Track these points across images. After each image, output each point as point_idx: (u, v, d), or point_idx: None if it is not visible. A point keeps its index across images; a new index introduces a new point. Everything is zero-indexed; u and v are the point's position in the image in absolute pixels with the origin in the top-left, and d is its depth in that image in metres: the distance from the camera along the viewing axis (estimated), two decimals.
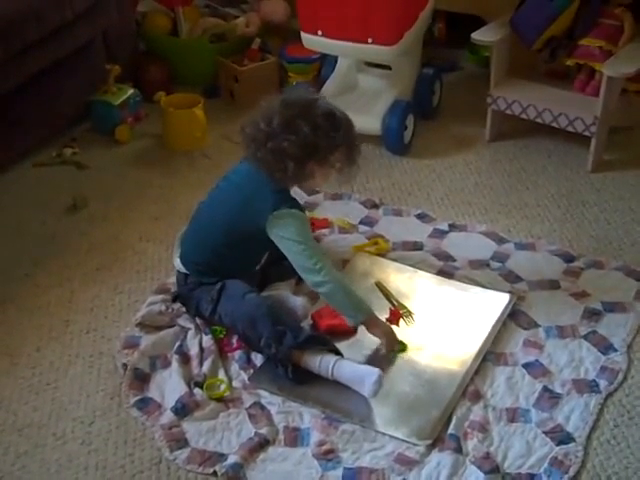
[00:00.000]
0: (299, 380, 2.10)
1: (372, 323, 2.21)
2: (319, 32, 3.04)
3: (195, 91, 3.38)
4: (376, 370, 2.06)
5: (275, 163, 2.12)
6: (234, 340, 2.23)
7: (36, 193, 2.92)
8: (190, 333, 2.24)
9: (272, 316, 2.14)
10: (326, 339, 2.17)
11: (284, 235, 2.16)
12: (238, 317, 2.18)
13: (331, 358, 2.10)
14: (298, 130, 2.09)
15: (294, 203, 2.24)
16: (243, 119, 2.21)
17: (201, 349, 2.19)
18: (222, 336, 2.25)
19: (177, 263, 2.33)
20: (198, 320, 2.28)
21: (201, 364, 2.15)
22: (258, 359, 2.18)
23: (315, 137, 2.10)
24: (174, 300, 2.34)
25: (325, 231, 2.68)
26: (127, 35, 3.50)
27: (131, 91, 3.31)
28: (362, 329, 2.24)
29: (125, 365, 2.15)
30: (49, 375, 2.16)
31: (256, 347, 2.17)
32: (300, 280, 2.30)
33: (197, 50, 3.57)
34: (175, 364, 2.14)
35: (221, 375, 2.13)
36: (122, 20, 3.41)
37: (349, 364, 2.10)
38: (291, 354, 2.10)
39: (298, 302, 2.31)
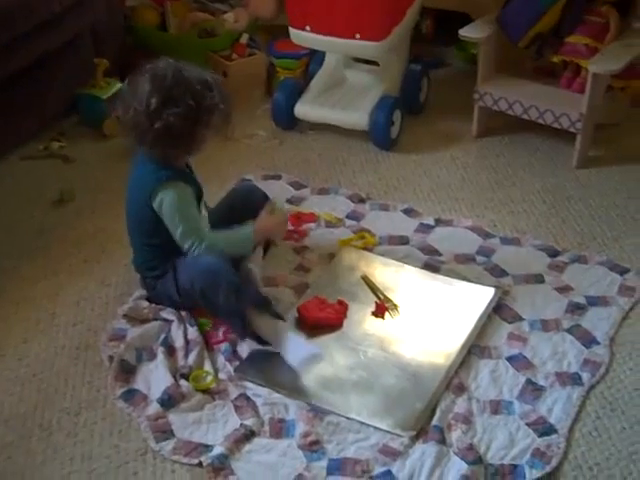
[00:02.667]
0: (256, 337, 2.17)
1: (259, 233, 2.30)
2: (307, 27, 3.05)
3: None
4: (317, 349, 2.14)
5: (167, 141, 2.12)
6: (220, 333, 2.24)
7: (23, 186, 2.92)
8: (174, 325, 2.25)
9: (230, 268, 2.17)
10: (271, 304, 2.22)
11: (162, 209, 2.18)
12: (196, 276, 2.16)
13: (282, 325, 2.19)
14: (179, 102, 2.08)
15: (177, 175, 2.21)
16: (120, 109, 2.17)
17: (186, 341, 2.20)
18: (208, 329, 2.26)
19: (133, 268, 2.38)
20: (183, 313, 2.28)
21: (186, 356, 2.16)
22: (244, 351, 2.19)
23: (196, 103, 2.10)
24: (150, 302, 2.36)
25: (312, 225, 2.69)
26: (115, 29, 3.50)
27: (119, 85, 3.30)
28: (349, 322, 2.27)
29: (111, 357, 2.16)
30: (35, 367, 2.16)
31: (216, 306, 2.17)
32: (265, 253, 2.41)
33: (186, 45, 3.57)
34: (161, 356, 2.15)
35: (207, 367, 2.13)
36: (110, 14, 3.41)
37: (295, 337, 2.17)
38: (247, 310, 2.15)
39: (251, 266, 2.33)
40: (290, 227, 2.61)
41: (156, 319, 2.28)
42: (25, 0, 2.84)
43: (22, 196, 2.86)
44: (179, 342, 2.19)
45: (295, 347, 2.15)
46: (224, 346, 2.20)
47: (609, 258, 2.54)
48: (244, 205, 2.42)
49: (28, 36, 2.89)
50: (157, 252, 2.28)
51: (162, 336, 2.22)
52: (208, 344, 2.22)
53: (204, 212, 2.34)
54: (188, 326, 2.24)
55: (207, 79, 2.16)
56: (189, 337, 2.21)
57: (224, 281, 2.14)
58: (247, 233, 2.29)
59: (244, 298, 2.15)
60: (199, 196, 2.28)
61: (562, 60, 3.11)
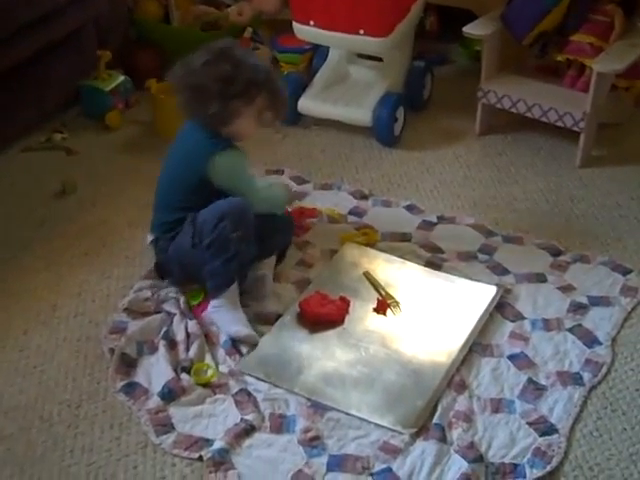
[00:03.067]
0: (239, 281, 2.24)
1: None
2: (311, 22, 3.04)
3: None
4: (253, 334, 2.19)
5: (199, 100, 2.19)
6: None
7: (25, 178, 2.92)
8: (176, 319, 2.24)
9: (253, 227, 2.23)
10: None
11: (225, 178, 2.24)
12: (226, 207, 2.18)
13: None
14: (218, 66, 2.17)
15: (230, 145, 2.27)
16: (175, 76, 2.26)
17: (187, 334, 2.20)
18: (196, 303, 2.28)
19: (148, 238, 2.36)
20: (182, 305, 2.28)
21: (187, 349, 2.16)
22: (243, 345, 2.19)
23: (235, 72, 2.17)
24: (156, 274, 2.37)
25: (314, 220, 2.68)
26: (118, 21, 3.49)
27: (122, 78, 3.30)
28: (350, 318, 2.28)
29: (112, 350, 2.16)
30: (36, 358, 2.16)
31: (217, 253, 2.18)
32: (279, 261, 2.43)
33: (189, 38, 3.55)
34: (162, 349, 2.15)
35: (208, 360, 2.13)
36: (113, 6, 3.40)
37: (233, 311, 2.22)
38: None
39: (264, 273, 2.38)
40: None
41: (158, 312, 2.28)
42: None
43: (23, 188, 2.85)
44: (180, 335, 2.19)
45: (235, 320, 2.20)
46: (223, 339, 2.20)
47: (612, 258, 2.54)
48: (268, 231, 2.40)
49: (31, 27, 2.89)
50: (184, 214, 2.27)
51: (163, 329, 2.22)
52: (208, 337, 2.22)
53: None
54: (188, 320, 2.24)
55: (256, 61, 2.26)
56: (190, 330, 2.21)
57: (246, 224, 2.18)
58: (279, 192, 2.46)
59: (244, 259, 2.22)
60: None
61: (566, 59, 3.10)
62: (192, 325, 2.22)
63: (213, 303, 2.23)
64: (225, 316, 2.21)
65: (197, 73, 2.18)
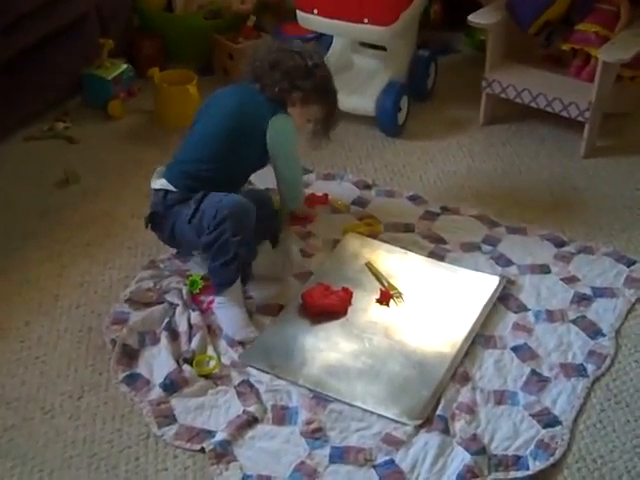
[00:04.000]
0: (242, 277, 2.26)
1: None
2: (315, 11, 3.02)
3: (189, 68, 3.36)
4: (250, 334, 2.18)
5: (273, 70, 2.35)
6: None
7: (27, 167, 2.90)
8: (178, 310, 2.24)
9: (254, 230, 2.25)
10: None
11: (279, 140, 2.38)
12: (228, 204, 2.18)
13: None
14: (306, 59, 2.36)
15: (288, 114, 2.39)
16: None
17: (190, 326, 2.19)
18: (197, 291, 2.29)
19: (157, 183, 2.32)
20: (185, 296, 2.28)
21: (190, 341, 2.15)
22: None
23: (313, 73, 2.35)
24: (148, 221, 2.35)
25: (326, 207, 2.69)
26: (121, 10, 3.48)
27: (124, 66, 3.29)
28: (353, 309, 2.28)
29: (114, 341, 2.15)
30: (38, 349, 2.16)
31: (216, 251, 2.18)
32: (274, 246, 2.44)
33: (192, 26, 3.54)
34: (164, 340, 2.14)
35: (210, 351, 2.13)
36: None
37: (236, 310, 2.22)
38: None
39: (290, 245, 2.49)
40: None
41: (160, 302, 2.27)
42: None
43: (26, 177, 2.84)
44: (183, 327, 2.19)
45: (234, 321, 2.21)
46: (224, 332, 2.20)
47: (616, 249, 2.53)
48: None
49: (33, 15, 2.87)
50: (217, 173, 2.29)
51: (166, 320, 2.21)
52: (211, 329, 2.21)
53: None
54: (191, 311, 2.23)
55: (329, 78, 2.43)
56: (192, 321, 2.21)
57: (247, 228, 2.19)
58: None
59: (244, 260, 2.25)
60: None
61: (571, 48, 3.08)
62: (195, 316, 2.22)
63: (217, 299, 2.23)
64: (226, 315, 2.21)
65: (285, 53, 2.37)
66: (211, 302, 2.26)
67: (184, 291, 2.30)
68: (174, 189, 2.28)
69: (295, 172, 2.52)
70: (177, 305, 2.25)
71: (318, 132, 2.49)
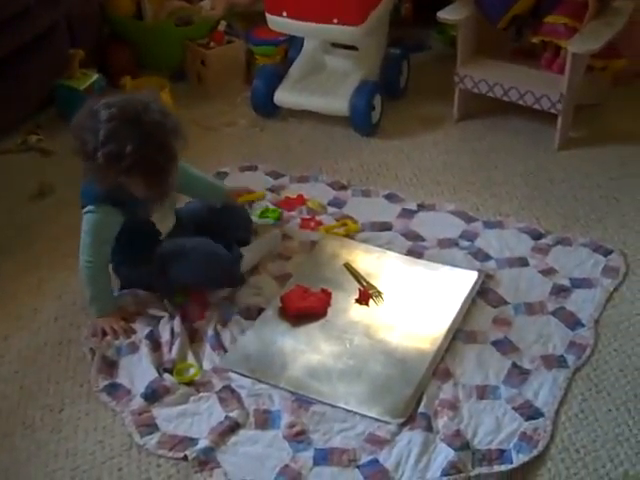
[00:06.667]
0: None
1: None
2: (284, 13, 3.02)
3: (162, 75, 3.35)
4: None
5: (83, 152, 2.14)
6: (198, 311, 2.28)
7: (1, 181, 2.88)
8: (163, 320, 2.23)
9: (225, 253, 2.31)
10: None
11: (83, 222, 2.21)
12: (197, 266, 2.25)
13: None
14: (118, 135, 2.07)
15: (101, 198, 2.17)
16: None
17: (172, 335, 2.18)
18: (181, 301, 2.29)
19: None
20: (169, 308, 2.27)
21: (171, 350, 2.14)
22: (228, 341, 2.18)
23: (128, 149, 2.03)
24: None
25: (294, 212, 2.67)
26: (91, 19, 3.46)
27: (96, 76, 3.27)
28: (333, 310, 2.27)
29: (92, 350, 2.14)
30: (17, 363, 2.14)
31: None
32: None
33: (163, 33, 3.53)
34: (145, 349, 2.13)
35: (190, 359, 2.12)
36: (85, 3, 3.37)
37: None
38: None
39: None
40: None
41: (141, 314, 2.26)
42: None
43: (0, 191, 2.82)
44: (165, 337, 2.18)
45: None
46: (209, 334, 2.19)
47: (593, 240, 2.54)
48: (225, 226, 2.41)
49: (1, 28, 2.85)
50: (124, 256, 2.31)
51: (148, 329, 2.20)
52: (197, 333, 2.21)
53: (172, 218, 2.37)
54: (174, 322, 2.22)
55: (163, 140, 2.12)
56: (175, 329, 2.19)
57: (224, 268, 2.30)
58: (101, 307, 2.24)
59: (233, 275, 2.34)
60: (142, 218, 2.26)
61: (541, 41, 3.09)
62: (177, 324, 2.21)
63: None
64: None
65: (96, 126, 2.11)
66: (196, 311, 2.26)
67: (166, 303, 2.29)
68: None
69: (81, 268, 2.23)
70: (161, 317, 2.24)
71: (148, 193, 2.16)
